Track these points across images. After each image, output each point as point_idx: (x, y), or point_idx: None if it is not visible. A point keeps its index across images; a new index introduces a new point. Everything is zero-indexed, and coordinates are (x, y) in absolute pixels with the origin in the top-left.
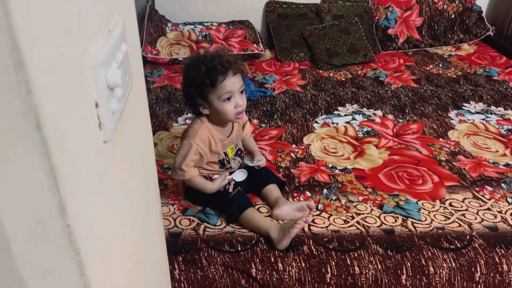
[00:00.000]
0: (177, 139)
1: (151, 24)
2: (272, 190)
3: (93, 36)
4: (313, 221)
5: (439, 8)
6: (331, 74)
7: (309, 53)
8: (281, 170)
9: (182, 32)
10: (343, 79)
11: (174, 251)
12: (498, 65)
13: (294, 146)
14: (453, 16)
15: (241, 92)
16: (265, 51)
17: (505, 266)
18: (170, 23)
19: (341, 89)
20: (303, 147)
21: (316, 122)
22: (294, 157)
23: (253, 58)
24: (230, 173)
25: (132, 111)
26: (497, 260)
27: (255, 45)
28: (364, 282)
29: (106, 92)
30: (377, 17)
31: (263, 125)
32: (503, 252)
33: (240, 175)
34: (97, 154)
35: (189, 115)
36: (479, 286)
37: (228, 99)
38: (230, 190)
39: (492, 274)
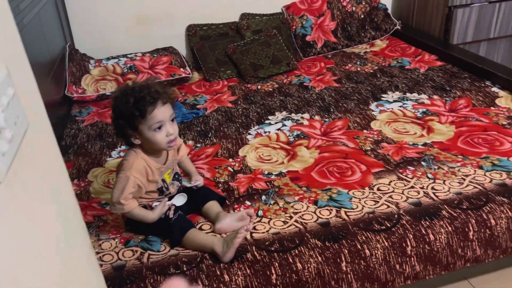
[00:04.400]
0: (112, 173)
1: (72, 63)
2: (212, 206)
3: None
4: (254, 228)
5: (349, 10)
6: (259, 87)
7: (236, 70)
8: (220, 185)
9: (106, 67)
10: (271, 89)
11: (120, 284)
12: (409, 55)
13: (230, 160)
14: (362, 16)
15: (172, 121)
16: (193, 73)
17: (431, 236)
18: (92, 59)
19: (269, 99)
20: (239, 159)
21: (249, 133)
22: (232, 171)
23: (182, 82)
24: (170, 198)
25: (34, 150)
26: (423, 232)
27: (181, 69)
28: (308, 276)
29: None
30: (294, 27)
31: (199, 145)
32: (428, 223)
33: (180, 199)
34: None
35: (123, 147)
36: (412, 259)
37: (159, 128)
38: (171, 216)
39: (421, 246)
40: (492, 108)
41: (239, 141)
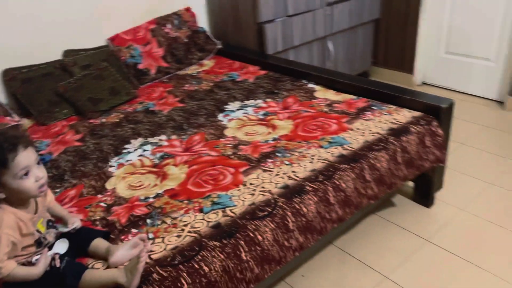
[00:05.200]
0: None
1: None
2: (99, 243)
3: None
4: (150, 250)
5: (172, 36)
6: (103, 120)
7: (73, 108)
8: (97, 222)
9: None
10: (118, 120)
11: None
12: (236, 69)
13: (100, 195)
14: (186, 40)
15: (38, 164)
16: (23, 120)
17: (304, 209)
18: None
19: (119, 129)
20: (109, 193)
21: (111, 166)
22: (105, 205)
23: None
24: (50, 248)
25: None
26: (297, 207)
27: (8, 118)
28: (215, 276)
29: None
30: (123, 57)
31: (57, 190)
32: (299, 199)
33: (61, 246)
34: None
35: None
36: (295, 232)
37: (26, 174)
38: (58, 265)
39: (299, 219)
40: (313, 100)
41: (102, 175)
